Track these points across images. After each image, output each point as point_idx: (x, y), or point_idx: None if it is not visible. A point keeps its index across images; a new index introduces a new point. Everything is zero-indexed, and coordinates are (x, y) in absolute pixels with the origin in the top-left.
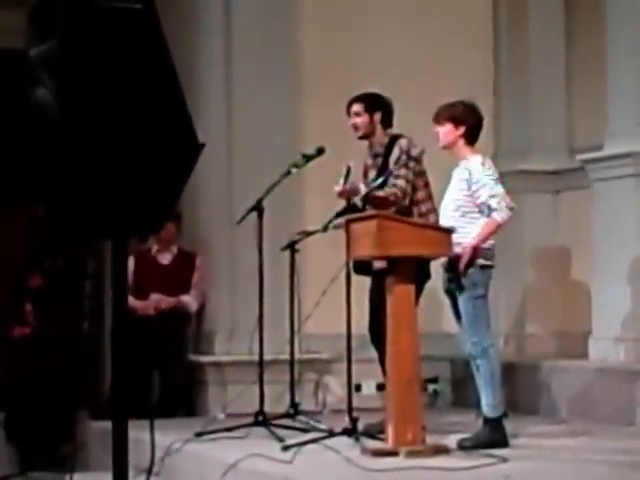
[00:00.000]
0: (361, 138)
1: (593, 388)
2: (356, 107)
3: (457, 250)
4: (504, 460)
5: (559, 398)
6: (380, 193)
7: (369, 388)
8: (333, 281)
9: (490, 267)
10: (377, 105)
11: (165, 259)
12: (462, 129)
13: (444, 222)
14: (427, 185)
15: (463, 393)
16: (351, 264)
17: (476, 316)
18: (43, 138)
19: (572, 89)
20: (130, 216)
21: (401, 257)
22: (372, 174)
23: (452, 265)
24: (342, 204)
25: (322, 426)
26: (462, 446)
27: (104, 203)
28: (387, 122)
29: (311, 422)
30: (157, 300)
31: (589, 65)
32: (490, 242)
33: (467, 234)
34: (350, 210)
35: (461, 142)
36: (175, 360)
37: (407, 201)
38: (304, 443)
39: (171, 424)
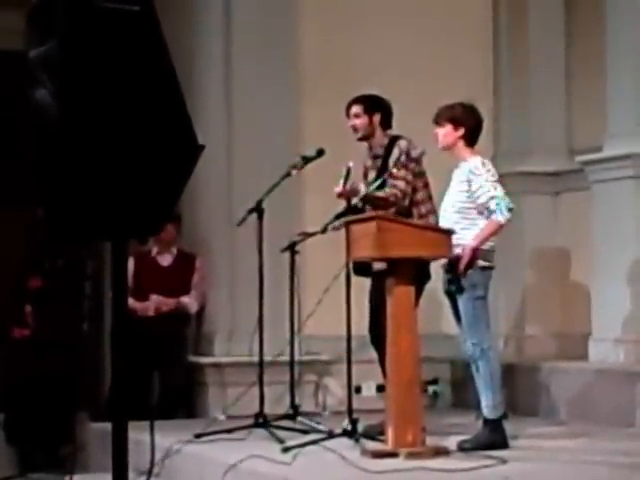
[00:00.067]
0: (360, 139)
1: (593, 389)
2: (355, 109)
3: (457, 251)
4: (504, 461)
5: (559, 399)
6: (380, 194)
7: (369, 389)
8: (336, 278)
9: (490, 268)
10: (376, 106)
11: (165, 260)
12: (462, 130)
13: (444, 223)
14: (427, 186)
15: (463, 394)
16: (351, 265)
17: (476, 317)
18: (43, 139)
19: (572, 90)
20: (130, 217)
21: (401, 258)
22: (372, 175)
23: (452, 266)
24: (342, 205)
25: (322, 427)
26: (462, 447)
27: (104, 204)
28: (386, 123)
29: (311, 423)
30: (157, 302)
31: (589, 66)
32: (490, 243)
33: (467, 235)
34: (350, 211)
35: (461, 143)
36: (175, 361)
37: (407, 202)
38: (304, 444)
39: (171, 425)
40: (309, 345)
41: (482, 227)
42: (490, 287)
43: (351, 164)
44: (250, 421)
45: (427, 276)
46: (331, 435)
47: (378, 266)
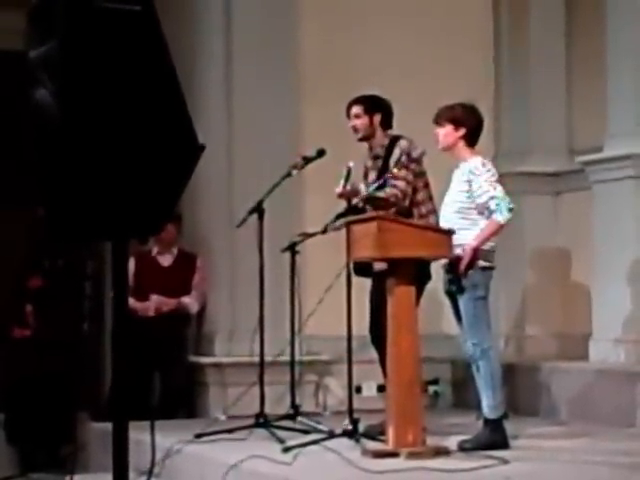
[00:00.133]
0: (361, 140)
1: (593, 390)
2: (356, 109)
3: (457, 251)
4: (504, 461)
5: (559, 399)
6: (380, 194)
7: (369, 389)
8: (338, 277)
9: (491, 268)
10: (377, 107)
11: (165, 260)
12: (462, 131)
13: (444, 223)
14: (427, 186)
15: (463, 394)
16: (351, 266)
17: (476, 317)
18: (43, 139)
19: (572, 90)
20: (130, 217)
21: (401, 259)
22: (372, 175)
23: (452, 266)
24: (343, 205)
25: (323, 427)
26: (462, 447)
27: (104, 204)
28: (387, 124)
29: (312, 423)
30: (158, 302)
31: (589, 66)
32: (490, 243)
33: (467, 236)
34: (351, 211)
35: (461, 144)
36: (175, 361)
37: (407, 202)
38: (305, 444)
39: (171, 425)
40: (310, 345)
41: (482, 227)
42: (491, 287)
43: (352, 164)
44: (251, 421)
45: (428, 276)
46: (332, 435)
47: (379, 266)
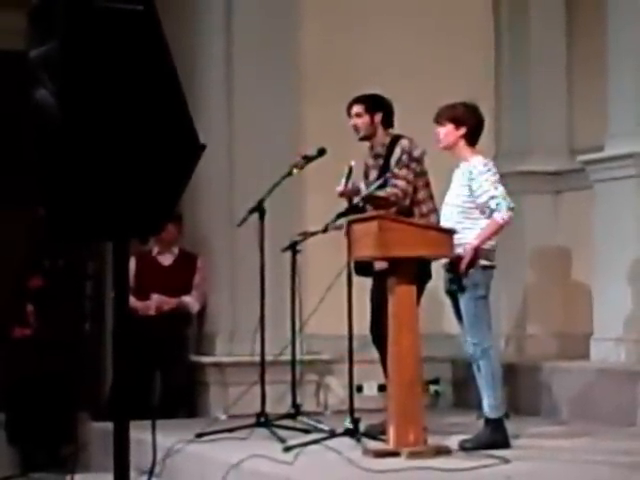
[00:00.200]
0: (362, 139)
1: (594, 389)
2: (356, 108)
3: (458, 251)
4: (505, 461)
5: (560, 399)
6: (381, 193)
7: (370, 389)
8: (338, 276)
9: (491, 268)
10: (378, 106)
11: (166, 260)
12: (463, 130)
13: (445, 223)
14: (428, 185)
15: (464, 394)
16: (352, 265)
17: (477, 317)
18: (43, 139)
19: (573, 89)
20: (131, 217)
21: (402, 258)
22: (373, 175)
23: (453, 266)
24: (343, 204)
25: (324, 427)
26: (463, 447)
27: (105, 204)
28: (388, 123)
29: (313, 423)
30: (158, 301)
31: (590, 65)
32: (491, 243)
33: (468, 235)
34: (351, 211)
35: (462, 143)
36: (176, 361)
37: (408, 201)
38: (306, 444)
39: (172, 425)
40: (310, 344)
41: (483, 227)
42: (491, 286)
43: (353, 163)
44: (252, 420)
45: (428, 275)
46: (333, 434)
47: (379, 266)
